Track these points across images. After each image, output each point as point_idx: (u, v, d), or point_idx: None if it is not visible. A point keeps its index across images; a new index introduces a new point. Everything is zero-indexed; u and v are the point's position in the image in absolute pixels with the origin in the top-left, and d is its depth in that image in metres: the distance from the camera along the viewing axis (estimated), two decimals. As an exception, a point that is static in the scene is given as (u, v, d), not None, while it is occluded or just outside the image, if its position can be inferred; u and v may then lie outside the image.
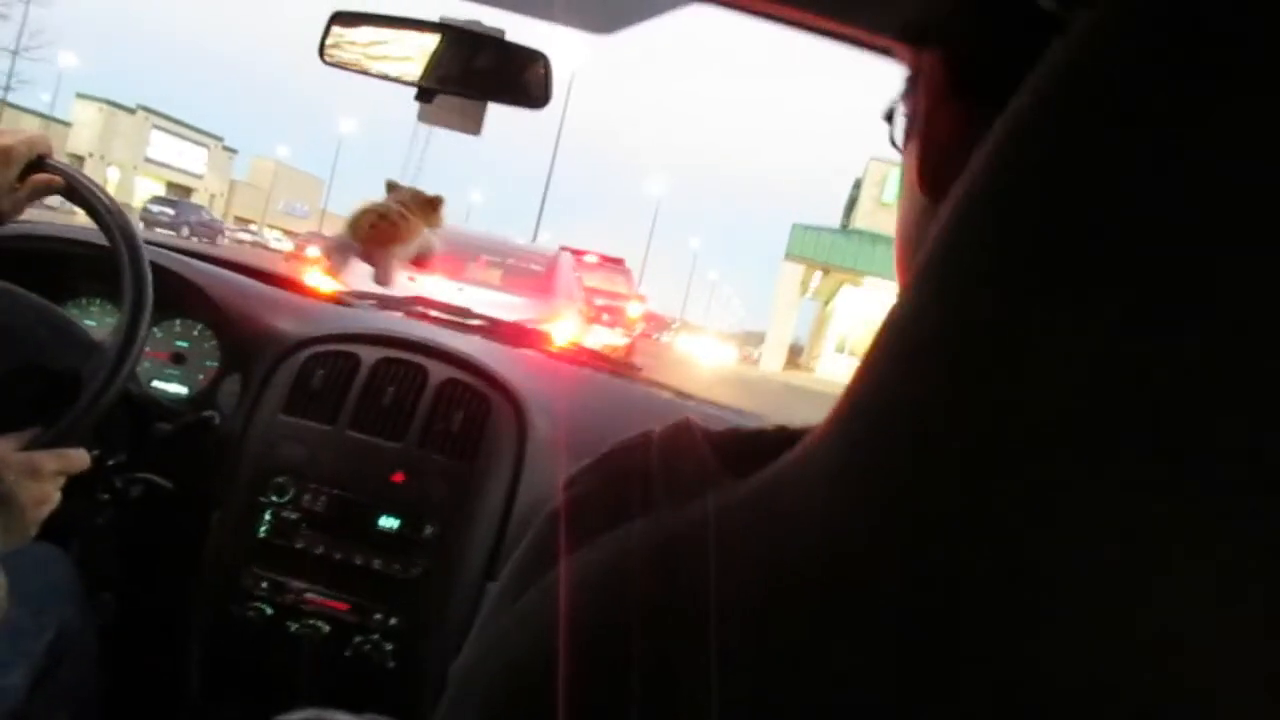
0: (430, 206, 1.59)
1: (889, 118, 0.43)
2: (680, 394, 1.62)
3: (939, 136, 0.37)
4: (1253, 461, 0.19)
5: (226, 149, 55.69)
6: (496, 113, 1.33)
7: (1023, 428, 0.21)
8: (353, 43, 1.29)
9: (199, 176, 50.96)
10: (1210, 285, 0.20)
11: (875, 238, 26.18)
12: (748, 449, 0.35)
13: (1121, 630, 0.20)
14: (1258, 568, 0.19)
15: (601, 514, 0.35)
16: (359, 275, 1.67)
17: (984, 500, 0.22)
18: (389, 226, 1.53)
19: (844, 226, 31.81)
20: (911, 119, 0.40)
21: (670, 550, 0.29)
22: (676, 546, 0.29)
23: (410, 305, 1.67)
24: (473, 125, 1.33)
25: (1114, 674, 0.20)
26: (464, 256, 5.53)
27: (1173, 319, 0.20)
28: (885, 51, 0.94)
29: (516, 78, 1.27)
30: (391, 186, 1.62)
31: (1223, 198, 0.20)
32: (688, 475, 0.35)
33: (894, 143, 0.43)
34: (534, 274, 5.96)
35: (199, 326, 1.41)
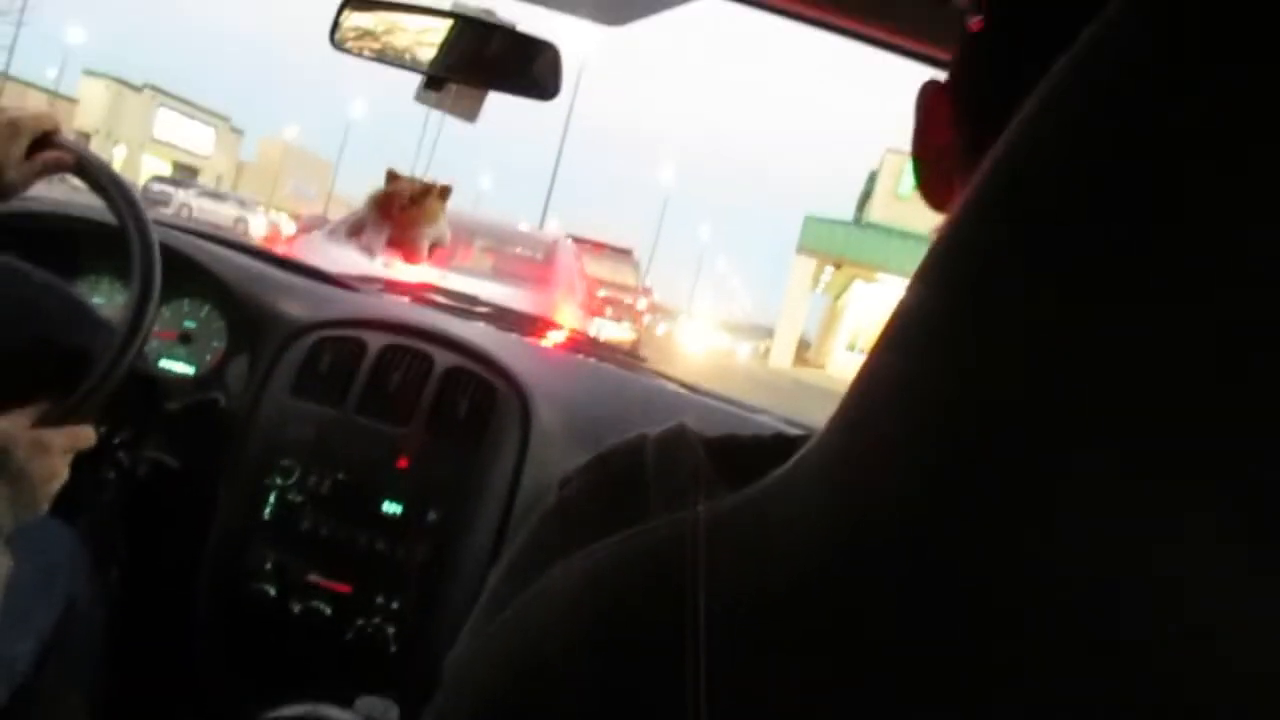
0: (439, 195, 1.60)
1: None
2: (687, 386, 1.62)
3: (930, 154, 0.39)
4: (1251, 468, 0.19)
5: (234, 129, 55.56)
6: (508, 100, 1.34)
7: (1025, 441, 0.21)
8: (364, 28, 1.30)
9: (205, 157, 50.87)
10: (1209, 285, 0.19)
11: (890, 231, 26.04)
12: (744, 457, 0.35)
13: (1117, 639, 0.20)
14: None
15: (595, 517, 0.36)
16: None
17: (981, 516, 0.21)
18: (419, 211, 1.55)
19: (858, 220, 31.65)
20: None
21: (662, 559, 0.29)
22: (668, 556, 0.29)
23: (417, 291, 1.68)
24: (470, 112, 1.34)
25: (1109, 682, 0.20)
26: (454, 241, 5.02)
27: (1175, 320, 0.20)
28: (892, 49, 0.95)
29: (526, 68, 1.27)
30: (393, 177, 1.63)
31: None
32: (682, 482, 0.35)
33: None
34: (532, 262, 5.58)
35: (207, 307, 1.42)
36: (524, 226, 7.20)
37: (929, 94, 0.40)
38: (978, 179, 0.24)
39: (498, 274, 5.24)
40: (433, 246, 1.52)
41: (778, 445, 0.37)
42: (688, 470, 0.36)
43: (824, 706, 0.23)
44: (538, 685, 0.30)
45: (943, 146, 0.39)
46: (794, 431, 0.39)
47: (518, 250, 5.75)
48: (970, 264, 0.23)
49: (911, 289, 0.25)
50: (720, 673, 0.25)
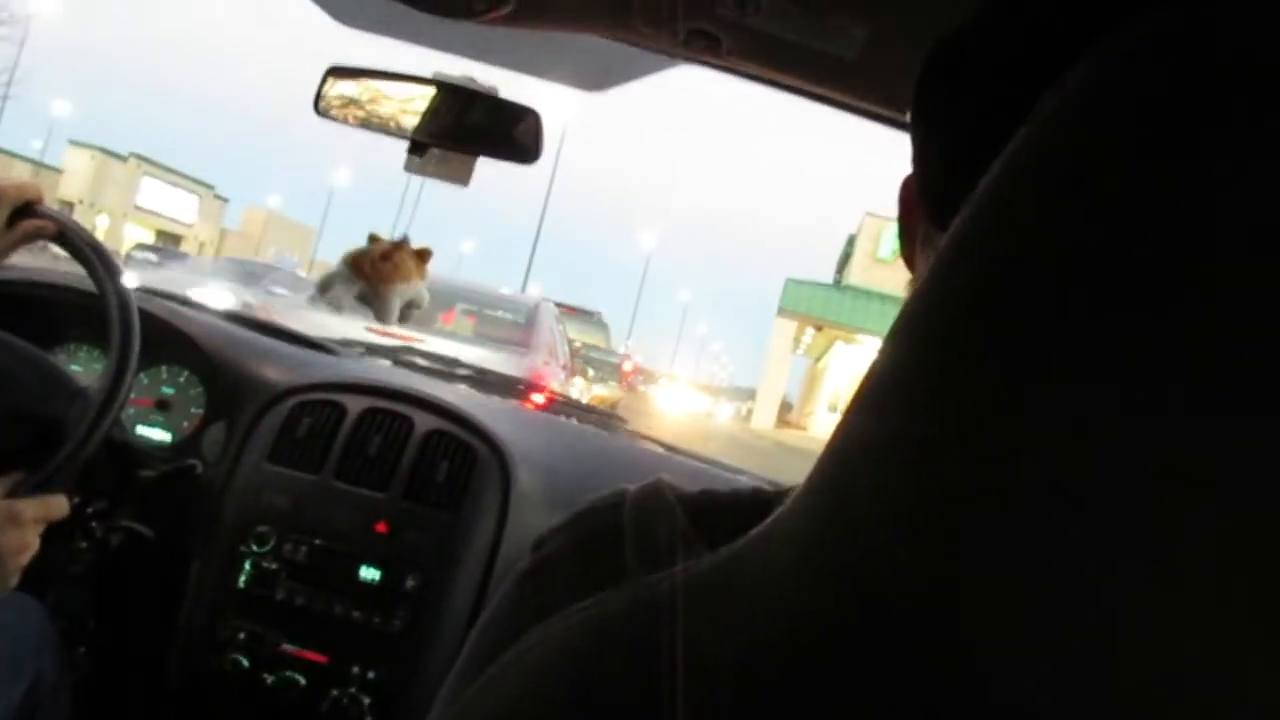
0: (419, 257, 1.61)
1: None
2: (667, 447, 1.62)
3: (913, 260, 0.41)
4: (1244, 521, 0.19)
5: (218, 197, 55.81)
6: (491, 164, 1.35)
7: (1001, 499, 0.21)
8: (348, 96, 1.31)
9: (189, 225, 51.01)
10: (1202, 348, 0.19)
11: (869, 294, 26.35)
12: (721, 514, 0.35)
13: (1111, 691, 0.20)
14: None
15: (571, 579, 0.35)
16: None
17: (961, 574, 0.21)
18: (391, 267, 1.55)
19: (837, 282, 31.98)
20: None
21: (640, 623, 0.29)
22: (646, 620, 0.29)
23: (397, 354, 1.67)
24: (462, 177, 1.35)
25: None
26: (435, 305, 4.90)
27: (1151, 387, 0.20)
28: (865, 114, 0.97)
29: (508, 133, 1.29)
30: (374, 239, 1.64)
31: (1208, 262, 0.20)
32: (660, 541, 0.35)
33: None
34: (514, 325, 5.64)
35: (185, 373, 1.41)
36: (505, 290, 7.19)
37: (908, 181, 0.42)
38: (942, 248, 0.25)
39: (479, 338, 5.26)
40: (408, 309, 1.51)
41: (755, 502, 0.37)
42: (665, 529, 0.36)
43: None
44: None
45: (917, 225, 0.40)
46: (771, 488, 0.39)
47: (499, 314, 5.78)
48: (935, 325, 0.24)
49: (884, 349, 0.26)
50: None
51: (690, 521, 0.36)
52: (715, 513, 0.36)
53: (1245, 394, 0.19)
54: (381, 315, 1.49)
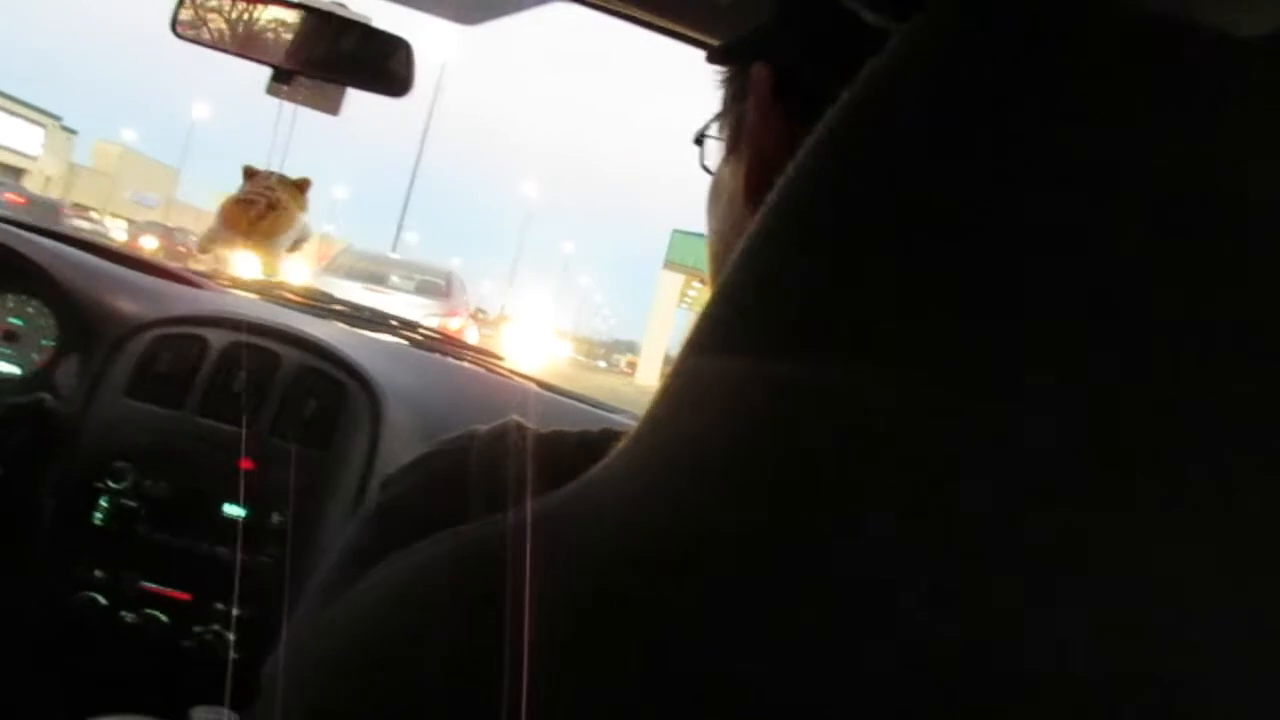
0: (298, 189, 1.56)
1: (699, 141, 0.44)
2: (544, 385, 1.63)
3: (766, 147, 0.37)
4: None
5: (66, 129, 52.01)
6: (365, 108, 1.31)
7: (804, 451, 0.22)
8: (209, 17, 1.26)
9: (33, 158, 47.41)
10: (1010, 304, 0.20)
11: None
12: (568, 454, 0.35)
13: (926, 638, 0.20)
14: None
15: (416, 521, 0.34)
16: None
17: (764, 521, 0.22)
18: (274, 218, 1.49)
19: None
20: (736, 131, 0.41)
21: (473, 562, 0.28)
22: (480, 558, 0.28)
23: (265, 288, 1.63)
24: (331, 105, 1.31)
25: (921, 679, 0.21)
26: (386, 272, 9.32)
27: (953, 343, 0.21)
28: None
29: (379, 64, 1.26)
30: (250, 173, 1.57)
31: (1028, 214, 0.21)
32: (506, 482, 0.35)
33: (704, 167, 0.44)
34: (438, 285, 9.48)
35: (35, 303, 1.34)
36: (425, 260, 11.80)
37: None
38: (774, 190, 0.26)
39: (419, 291, 9.03)
40: (294, 246, 1.46)
41: (602, 442, 0.37)
42: (513, 470, 0.36)
43: (635, 711, 0.23)
44: (342, 695, 0.29)
45: None
46: (622, 426, 0.39)
47: (428, 278, 9.70)
48: (758, 267, 0.25)
49: (713, 293, 0.27)
50: (533, 676, 0.24)
51: (537, 462, 0.36)
52: (563, 453, 0.36)
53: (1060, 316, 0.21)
54: (269, 270, 1.44)
